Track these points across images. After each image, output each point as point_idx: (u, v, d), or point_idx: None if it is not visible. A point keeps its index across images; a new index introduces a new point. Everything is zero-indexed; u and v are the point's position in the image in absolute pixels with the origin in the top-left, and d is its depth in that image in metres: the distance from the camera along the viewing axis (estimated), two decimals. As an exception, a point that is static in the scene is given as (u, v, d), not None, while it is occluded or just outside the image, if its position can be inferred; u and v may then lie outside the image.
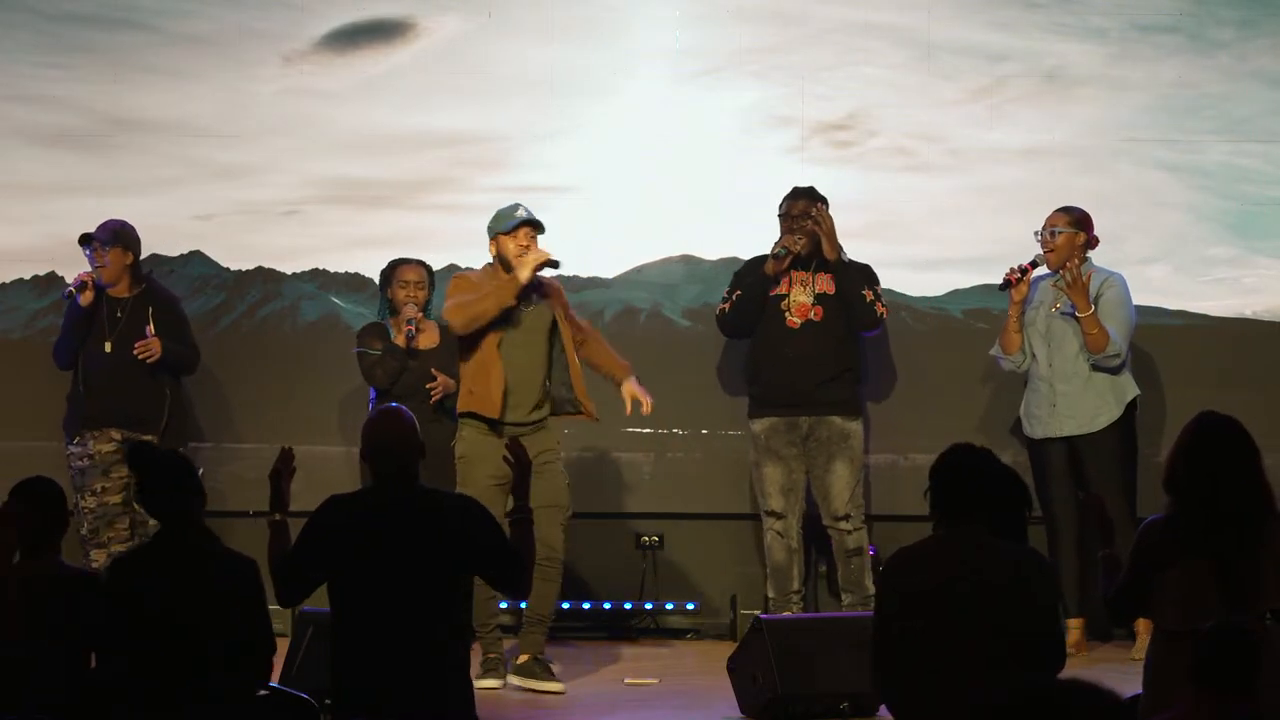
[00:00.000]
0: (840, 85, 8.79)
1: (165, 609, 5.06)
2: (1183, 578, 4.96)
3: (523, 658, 7.20)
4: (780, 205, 7.93)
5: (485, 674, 7.15)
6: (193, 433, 8.36)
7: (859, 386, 8.01)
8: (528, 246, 7.18)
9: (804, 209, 7.86)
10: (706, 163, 8.73)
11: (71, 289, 7.83)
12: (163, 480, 5.23)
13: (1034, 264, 7.92)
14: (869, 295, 7.84)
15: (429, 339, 7.93)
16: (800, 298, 7.89)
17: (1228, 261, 8.81)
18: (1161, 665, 4.96)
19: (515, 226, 7.20)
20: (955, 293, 8.74)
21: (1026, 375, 8.05)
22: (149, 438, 7.65)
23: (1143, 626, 7.12)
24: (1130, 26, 8.83)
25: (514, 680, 7.17)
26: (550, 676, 7.16)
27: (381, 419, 5.42)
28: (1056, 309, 7.91)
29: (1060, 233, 7.92)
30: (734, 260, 8.30)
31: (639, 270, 8.85)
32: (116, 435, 7.84)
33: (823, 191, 7.94)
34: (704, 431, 8.68)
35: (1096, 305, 7.82)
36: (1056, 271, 7.93)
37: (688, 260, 8.83)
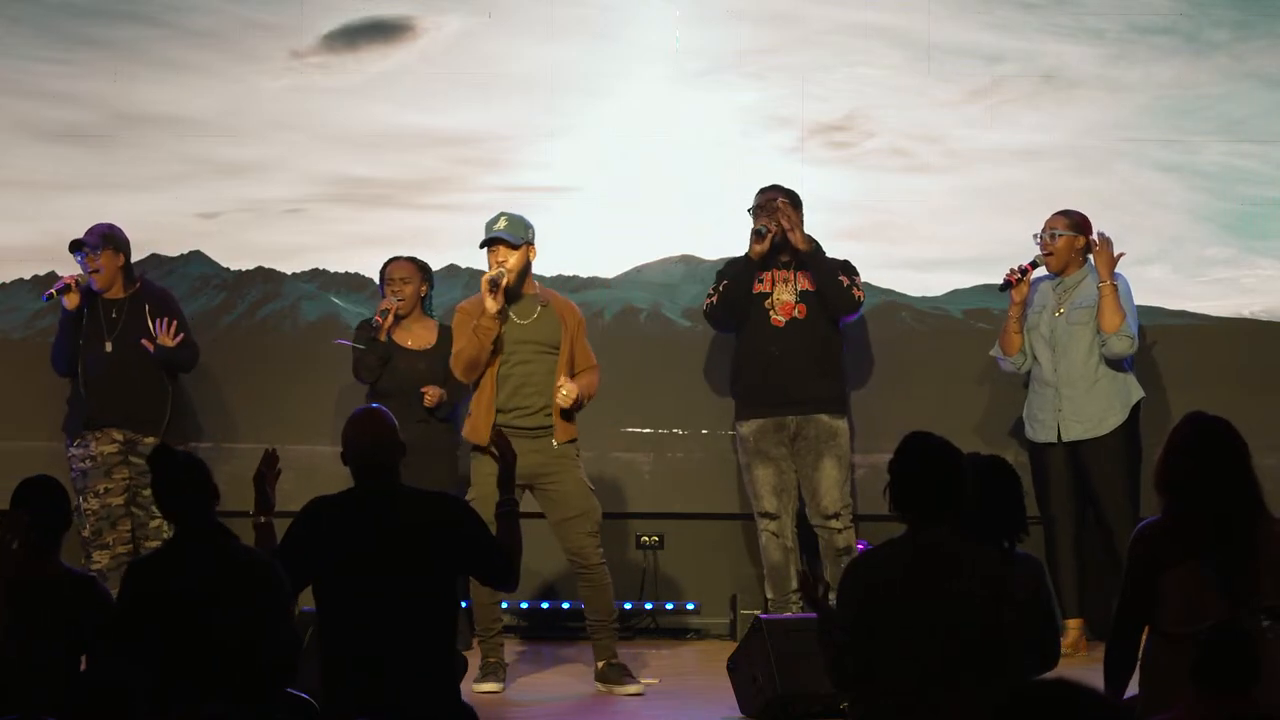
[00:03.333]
0: (838, 86, 8.80)
1: (185, 609, 5.01)
2: (1179, 579, 4.95)
3: (599, 664, 7.19)
4: (753, 201, 7.93)
5: (484, 678, 7.15)
6: (192, 432, 8.35)
7: (843, 384, 8.01)
8: (502, 263, 7.09)
9: (772, 197, 7.87)
10: (706, 163, 8.74)
11: (52, 291, 7.79)
12: (180, 482, 5.19)
13: (1034, 264, 7.94)
14: (844, 280, 7.84)
15: (423, 339, 7.93)
16: (784, 296, 7.88)
17: (1225, 262, 8.82)
18: (1160, 666, 4.95)
19: (483, 246, 7.18)
20: (955, 293, 8.75)
21: (1026, 377, 8.06)
22: (150, 439, 7.66)
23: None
24: (1127, 27, 8.85)
25: (599, 687, 7.15)
26: (629, 679, 7.13)
27: (359, 420, 5.38)
28: (1061, 313, 7.91)
29: (1060, 235, 7.94)
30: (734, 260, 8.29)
31: (639, 270, 8.86)
32: (118, 436, 7.83)
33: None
34: (704, 431, 8.69)
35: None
36: (1057, 274, 7.96)
37: (688, 260, 8.84)
